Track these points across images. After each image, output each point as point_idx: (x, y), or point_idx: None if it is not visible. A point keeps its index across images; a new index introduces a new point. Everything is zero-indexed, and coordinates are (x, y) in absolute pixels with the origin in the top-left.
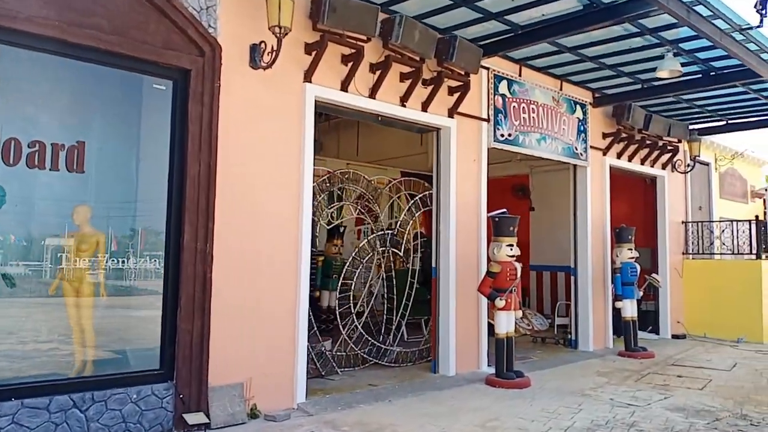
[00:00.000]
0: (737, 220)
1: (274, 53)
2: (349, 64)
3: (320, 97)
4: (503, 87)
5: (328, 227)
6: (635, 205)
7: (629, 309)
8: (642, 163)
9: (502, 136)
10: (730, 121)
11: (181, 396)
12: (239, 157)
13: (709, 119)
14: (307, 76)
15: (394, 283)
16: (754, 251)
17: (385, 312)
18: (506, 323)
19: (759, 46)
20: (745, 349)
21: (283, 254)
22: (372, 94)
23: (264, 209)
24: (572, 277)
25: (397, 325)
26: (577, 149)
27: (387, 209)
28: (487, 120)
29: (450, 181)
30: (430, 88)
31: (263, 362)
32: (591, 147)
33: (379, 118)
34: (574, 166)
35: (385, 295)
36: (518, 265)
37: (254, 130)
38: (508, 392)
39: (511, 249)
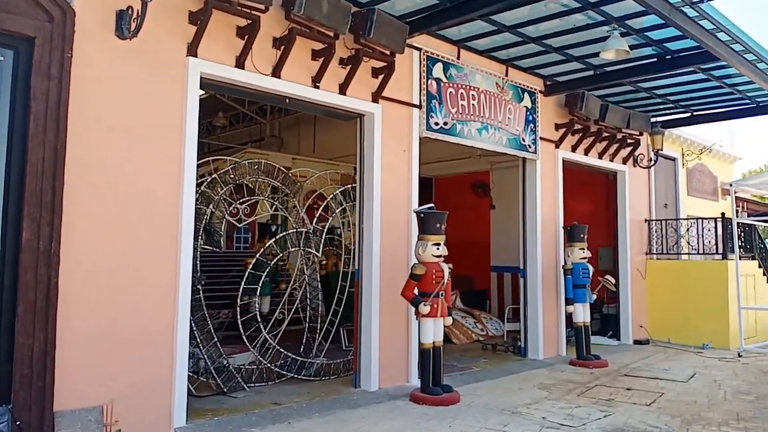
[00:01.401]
0: (702, 218)
1: (138, 19)
2: (246, 38)
3: (208, 73)
4: (438, 70)
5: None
6: (598, 203)
7: (581, 313)
8: (600, 157)
9: (437, 124)
10: (695, 113)
11: (18, 423)
12: (98, 142)
13: (672, 110)
14: (191, 50)
15: (319, 286)
16: (720, 251)
17: (307, 320)
18: (433, 331)
19: (714, 23)
20: (708, 357)
21: (156, 255)
22: (276, 73)
23: (132, 203)
24: (521, 279)
25: (326, 334)
26: (524, 141)
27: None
28: (419, 106)
29: (374, 174)
30: (348, 68)
31: (131, 381)
32: (541, 139)
33: (287, 101)
34: (523, 159)
35: (308, 301)
36: (446, 267)
37: (119, 111)
38: (430, 410)
39: (438, 248)
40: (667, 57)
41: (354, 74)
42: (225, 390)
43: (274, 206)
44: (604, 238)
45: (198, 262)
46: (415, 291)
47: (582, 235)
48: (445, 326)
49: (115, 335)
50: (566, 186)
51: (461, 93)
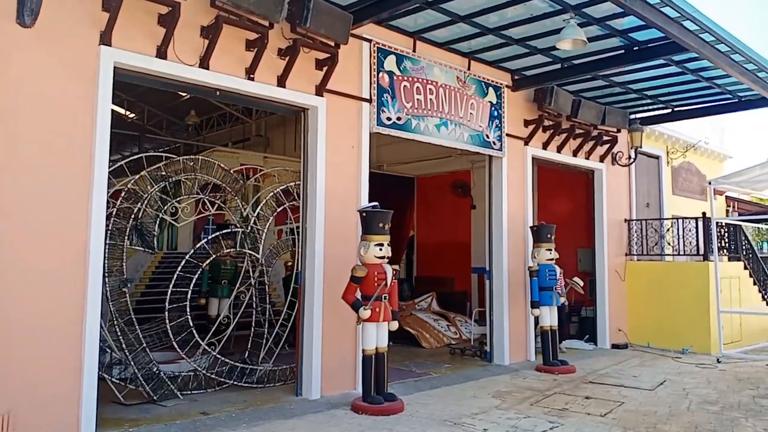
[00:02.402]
0: (683, 218)
1: (34, 4)
2: (167, 26)
3: (125, 63)
4: (390, 63)
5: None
6: (578, 203)
7: (547, 317)
8: (574, 155)
9: (389, 119)
10: (675, 109)
11: None
12: (1, 136)
13: (651, 106)
14: (105, 38)
15: (267, 289)
16: (701, 252)
17: (253, 324)
18: (375, 337)
19: (678, 11)
20: (686, 362)
21: (62, 255)
22: (204, 64)
23: (36, 199)
24: (487, 281)
25: (277, 339)
26: (489, 137)
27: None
28: (369, 100)
29: (317, 171)
30: (286, 59)
31: (33, 390)
32: (508, 135)
33: (218, 93)
34: (490, 157)
35: (255, 305)
36: (390, 269)
37: (24, 104)
38: (367, 420)
39: (381, 249)
40: (635, 48)
41: (292, 66)
42: (155, 398)
43: (216, 205)
44: (584, 239)
45: (123, 263)
46: (358, 294)
47: (549, 236)
48: (390, 330)
49: (11, 340)
50: (544, 185)
51: (417, 87)
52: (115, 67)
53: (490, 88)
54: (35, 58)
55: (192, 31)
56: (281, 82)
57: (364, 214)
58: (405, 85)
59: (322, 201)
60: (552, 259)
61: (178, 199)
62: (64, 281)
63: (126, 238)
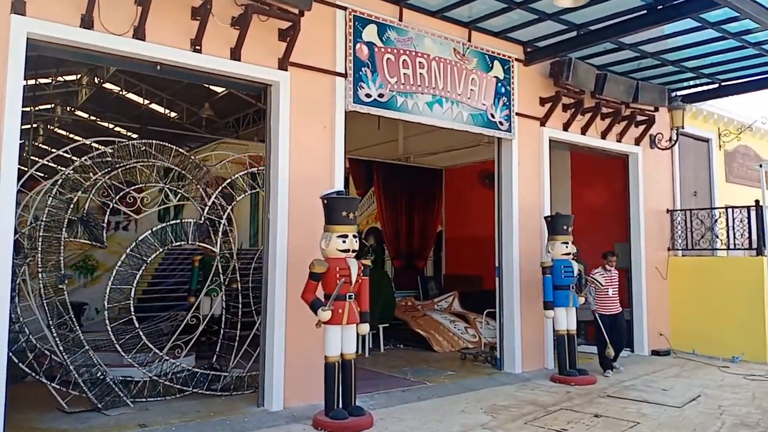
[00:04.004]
0: (732, 207)
1: None
2: None
3: (41, 34)
4: (370, 33)
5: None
6: (614, 191)
7: (563, 320)
8: (603, 137)
9: (368, 96)
10: (723, 83)
11: None
12: None
13: (694, 81)
14: (17, 7)
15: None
16: (754, 245)
17: (222, 326)
18: (340, 342)
19: None
20: (733, 373)
21: None
22: (138, 34)
23: None
24: (496, 279)
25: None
26: (494, 117)
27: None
28: (344, 75)
29: (279, 155)
30: (237, 29)
31: None
32: (519, 115)
33: (159, 67)
34: (498, 140)
35: (223, 305)
36: (356, 264)
37: None
38: None
39: (344, 241)
40: (659, 7)
41: (245, 35)
42: (100, 406)
43: (179, 195)
44: (621, 232)
45: (61, 257)
46: (320, 293)
47: (565, 227)
48: (359, 334)
49: None
50: (578, 173)
51: (404, 60)
52: (28, 39)
53: (496, 62)
54: None
55: None
56: (235, 54)
57: (326, 202)
58: (389, 58)
59: (286, 188)
60: (568, 254)
61: (134, 187)
62: None
63: (62, 229)
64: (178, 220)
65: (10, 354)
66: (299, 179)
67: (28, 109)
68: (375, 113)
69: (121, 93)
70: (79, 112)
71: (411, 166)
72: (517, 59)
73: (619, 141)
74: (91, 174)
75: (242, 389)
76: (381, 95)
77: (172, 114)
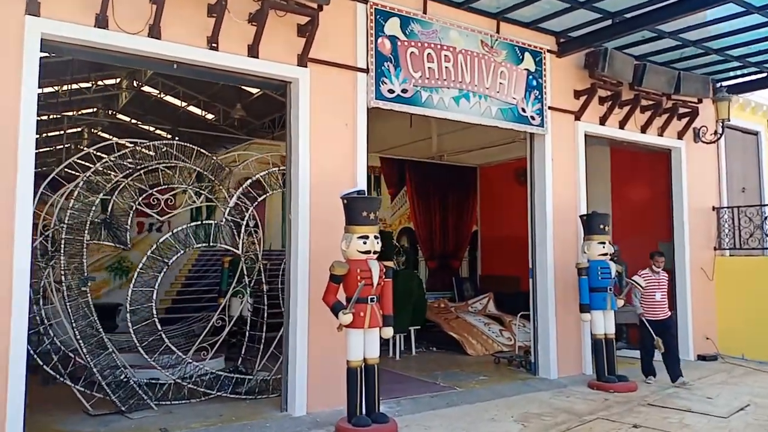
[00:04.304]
0: None
1: None
2: None
3: (56, 35)
4: (392, 27)
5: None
6: (658, 188)
7: (600, 323)
8: (643, 131)
9: (391, 92)
10: None
11: None
12: None
13: (741, 70)
14: (31, 7)
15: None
16: None
17: (248, 328)
18: (362, 346)
19: None
20: None
21: None
22: (154, 33)
23: None
24: (530, 281)
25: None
26: (525, 111)
27: None
28: (366, 70)
29: (300, 154)
30: (254, 25)
31: None
32: (552, 109)
33: (175, 66)
34: (530, 135)
35: (249, 307)
36: (377, 265)
37: None
38: None
39: (365, 242)
40: None
41: (262, 32)
42: (123, 409)
43: (202, 196)
44: (665, 230)
45: (84, 259)
46: (342, 296)
47: (602, 226)
48: (383, 338)
49: None
50: (616, 169)
51: (428, 54)
52: (42, 40)
53: (527, 54)
54: None
55: None
56: (253, 51)
57: (346, 202)
58: (412, 52)
59: (307, 188)
60: (605, 254)
61: (157, 188)
62: None
63: (86, 232)
64: (198, 222)
65: (35, 356)
66: (320, 179)
67: (71, 113)
68: (399, 109)
69: (159, 96)
70: (120, 116)
71: (444, 165)
72: (549, 51)
73: (660, 135)
74: (112, 176)
75: (267, 393)
76: (404, 91)
77: (209, 116)
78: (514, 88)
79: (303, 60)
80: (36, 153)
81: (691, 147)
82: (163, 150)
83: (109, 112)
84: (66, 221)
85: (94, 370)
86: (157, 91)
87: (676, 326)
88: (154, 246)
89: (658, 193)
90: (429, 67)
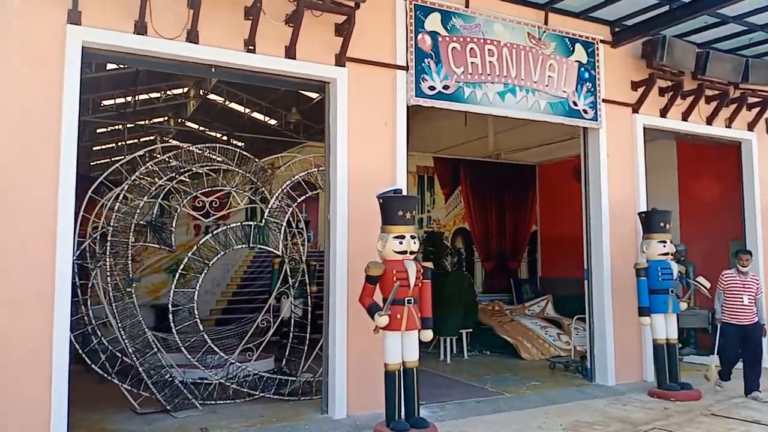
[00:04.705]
0: None
1: None
2: None
3: (96, 42)
4: (433, 22)
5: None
6: (729, 184)
7: (661, 327)
8: (708, 123)
9: (432, 89)
10: None
11: None
12: None
13: None
14: (73, 16)
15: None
16: None
17: (291, 329)
18: (400, 349)
19: None
20: None
21: (28, 258)
22: (192, 37)
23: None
24: (585, 282)
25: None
26: (576, 105)
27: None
28: (405, 68)
29: (338, 154)
30: (291, 26)
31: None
32: (607, 101)
33: (213, 70)
34: (584, 129)
35: (293, 308)
36: (414, 266)
37: None
38: None
39: (401, 242)
40: None
41: (298, 32)
42: (168, 408)
43: (246, 198)
44: (737, 228)
45: (129, 261)
46: (379, 297)
47: (662, 224)
48: (422, 341)
49: None
50: (683, 163)
51: (471, 48)
52: (83, 48)
53: (578, 45)
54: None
55: (176, 1)
56: (290, 52)
57: (381, 201)
58: (454, 47)
59: (345, 188)
60: (666, 254)
61: (201, 191)
62: (28, 291)
63: (131, 234)
64: (238, 223)
65: (84, 355)
66: (359, 178)
67: (143, 122)
68: (440, 106)
69: (224, 103)
70: (189, 123)
71: (501, 163)
72: (602, 41)
73: (728, 126)
74: (156, 179)
75: (311, 394)
76: (446, 87)
77: (272, 121)
78: (564, 82)
79: (341, 59)
80: (110, 161)
81: (763, 139)
82: (206, 153)
83: (179, 120)
84: (112, 224)
85: (140, 369)
86: (222, 99)
87: (761, 334)
88: (195, 248)
89: (729, 189)
90: (472, 62)
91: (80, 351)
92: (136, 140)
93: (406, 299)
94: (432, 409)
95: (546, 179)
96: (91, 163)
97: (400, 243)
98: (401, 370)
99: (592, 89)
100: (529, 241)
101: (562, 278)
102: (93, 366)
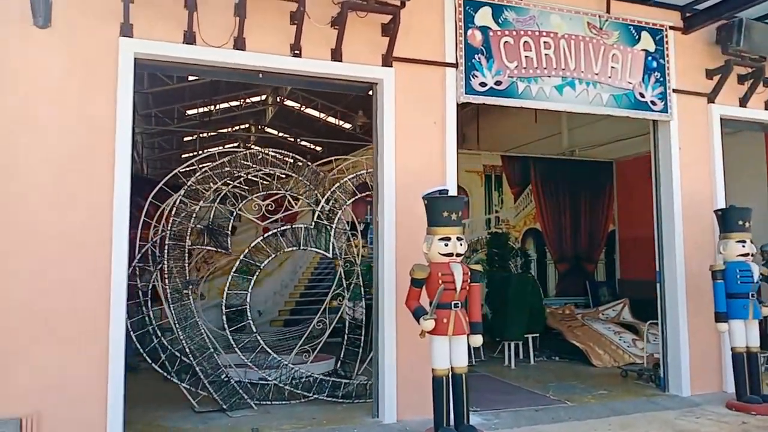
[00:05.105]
0: None
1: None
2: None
3: (147, 53)
4: (484, 16)
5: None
6: None
7: (740, 334)
8: None
9: (483, 85)
10: None
11: None
12: (19, 142)
13: None
14: (125, 29)
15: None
16: None
17: (346, 331)
18: (448, 353)
19: None
20: None
21: (86, 259)
22: (239, 44)
23: (56, 203)
24: (657, 285)
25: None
26: (643, 96)
27: None
28: (455, 65)
29: (384, 156)
30: (336, 28)
31: (61, 395)
32: (678, 91)
33: (261, 75)
34: (654, 122)
35: (353, 310)
36: (460, 269)
37: (41, 107)
38: None
39: (447, 244)
40: None
41: (343, 34)
42: (224, 407)
43: (301, 201)
44: None
45: (184, 263)
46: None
47: (741, 222)
48: (472, 346)
49: (38, 339)
50: None
51: (525, 42)
52: (136, 59)
53: (644, 33)
54: (54, 57)
55: (223, 10)
56: (336, 55)
57: (426, 202)
58: (507, 42)
59: (392, 191)
60: (746, 255)
61: (255, 195)
62: (88, 289)
63: (188, 237)
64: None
65: (144, 354)
66: (408, 179)
67: (226, 129)
68: (492, 102)
69: (300, 109)
70: (268, 129)
71: (574, 160)
72: (671, 27)
73: None
74: (212, 184)
75: (365, 397)
76: (498, 83)
77: (346, 125)
78: (629, 72)
79: (387, 59)
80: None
81: None
82: (259, 158)
83: (259, 127)
84: (170, 228)
85: (197, 369)
86: (298, 105)
87: None
88: (246, 250)
89: None
90: (526, 56)
91: (140, 350)
92: (221, 147)
93: (452, 303)
94: (486, 417)
95: (624, 176)
96: (180, 170)
97: (446, 245)
98: (450, 375)
99: (661, 79)
100: (607, 241)
101: (642, 280)
102: (153, 365)
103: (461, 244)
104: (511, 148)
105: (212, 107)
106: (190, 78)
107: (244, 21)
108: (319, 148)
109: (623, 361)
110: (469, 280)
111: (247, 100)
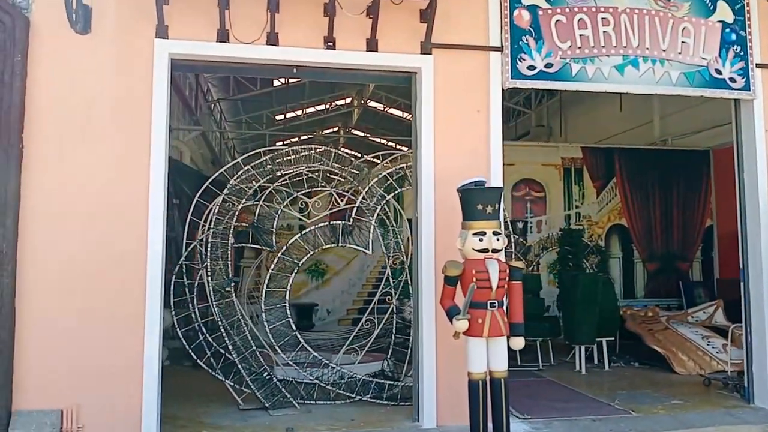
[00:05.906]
0: None
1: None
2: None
3: (182, 54)
4: None
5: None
6: None
7: None
8: None
9: (532, 68)
10: None
11: None
12: (57, 142)
13: None
14: (160, 31)
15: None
16: None
17: (394, 330)
18: (485, 356)
19: None
20: None
21: (123, 254)
22: (272, 40)
23: (94, 201)
24: (742, 285)
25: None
26: (720, 73)
27: None
28: (500, 49)
29: (423, 148)
30: (371, 17)
31: (99, 387)
32: (762, 66)
33: (295, 70)
34: (736, 102)
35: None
36: (495, 265)
37: (79, 109)
38: None
39: (482, 240)
40: None
41: (377, 23)
42: (267, 405)
43: (346, 198)
44: None
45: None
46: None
47: None
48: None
49: (77, 333)
50: None
51: (580, 19)
52: (172, 59)
53: (721, 2)
54: (94, 61)
55: (255, 5)
56: (371, 45)
57: (460, 195)
58: (558, 20)
59: (431, 185)
60: None
61: (301, 192)
62: (125, 274)
63: (230, 236)
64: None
65: (190, 351)
66: (446, 174)
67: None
68: (541, 87)
69: (384, 110)
70: (355, 131)
71: (664, 150)
72: None
73: None
74: (254, 182)
75: (410, 400)
76: (549, 65)
77: None
78: (702, 47)
79: (426, 47)
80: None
81: None
82: (302, 154)
83: (347, 129)
84: (213, 227)
85: (240, 366)
86: (382, 106)
87: None
88: (285, 248)
89: None
90: (581, 35)
91: (187, 347)
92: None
93: (488, 302)
94: (535, 425)
95: (722, 165)
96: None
97: (480, 240)
98: (488, 380)
99: (742, 53)
100: (703, 238)
101: (725, 280)
102: (199, 362)
103: (498, 239)
104: (600, 140)
105: (300, 111)
106: (275, 83)
107: (275, 16)
108: (404, 148)
109: (710, 368)
110: (507, 278)
111: (334, 104)
